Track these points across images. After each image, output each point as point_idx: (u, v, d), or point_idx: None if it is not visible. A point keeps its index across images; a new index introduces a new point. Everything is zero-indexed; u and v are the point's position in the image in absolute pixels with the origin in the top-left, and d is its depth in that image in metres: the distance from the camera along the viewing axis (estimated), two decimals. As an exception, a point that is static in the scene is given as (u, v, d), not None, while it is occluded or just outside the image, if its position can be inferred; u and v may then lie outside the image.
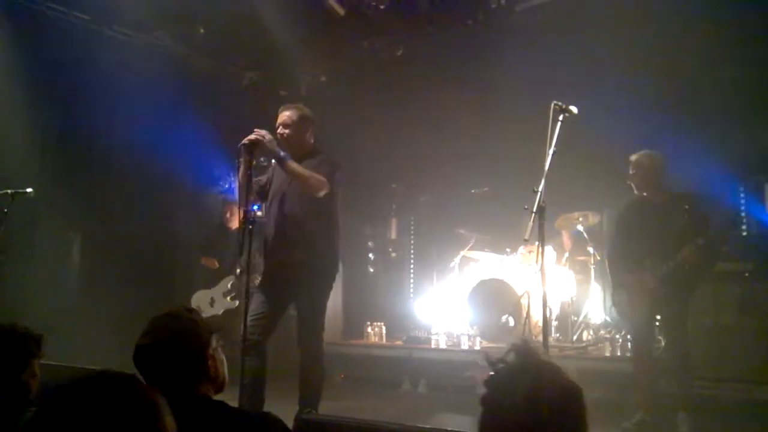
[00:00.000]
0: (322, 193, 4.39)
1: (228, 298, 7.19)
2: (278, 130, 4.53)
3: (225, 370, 2.17)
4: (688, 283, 4.81)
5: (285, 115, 4.59)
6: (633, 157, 4.99)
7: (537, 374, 1.40)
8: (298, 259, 4.43)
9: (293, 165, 4.38)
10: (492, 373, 1.45)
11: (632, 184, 4.99)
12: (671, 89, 6.49)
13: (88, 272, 7.21)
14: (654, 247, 4.83)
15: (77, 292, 7.06)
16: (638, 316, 4.97)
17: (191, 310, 2.17)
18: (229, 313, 7.01)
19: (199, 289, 7.24)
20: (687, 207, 4.82)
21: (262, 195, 4.71)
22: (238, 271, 7.17)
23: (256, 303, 4.44)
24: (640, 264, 4.88)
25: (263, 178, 4.69)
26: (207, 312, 6.92)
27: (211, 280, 7.27)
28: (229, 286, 7.19)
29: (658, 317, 5.02)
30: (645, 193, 4.98)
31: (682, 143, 6.37)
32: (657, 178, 4.94)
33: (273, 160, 4.60)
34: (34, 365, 2.48)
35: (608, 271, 5.33)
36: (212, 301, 7.12)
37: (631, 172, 4.98)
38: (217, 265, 7.31)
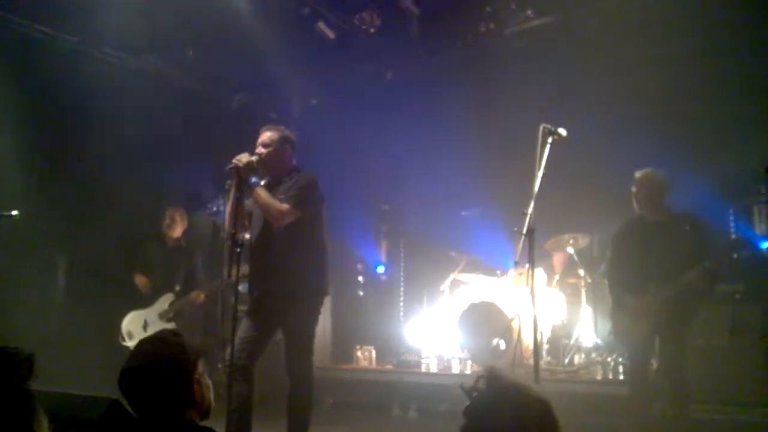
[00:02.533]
0: (286, 222, 4.31)
1: (164, 320, 6.30)
2: (257, 150, 4.47)
3: (211, 395, 2.13)
4: (690, 306, 4.76)
5: (265, 135, 4.54)
6: (639, 174, 4.91)
7: (515, 396, 1.46)
8: (282, 286, 4.36)
9: (258, 193, 4.33)
10: (468, 402, 1.49)
11: (636, 202, 4.91)
12: (660, 111, 6.53)
13: (74, 295, 7.11)
14: (657, 269, 4.75)
15: (63, 315, 6.97)
16: (638, 339, 4.89)
17: (178, 334, 2.13)
18: None
19: (131, 310, 6.41)
20: (688, 228, 4.76)
21: (251, 221, 4.65)
22: (177, 288, 6.44)
23: (243, 328, 4.38)
24: (642, 285, 4.80)
25: (249, 203, 4.61)
26: (138, 337, 6.02)
27: (146, 298, 6.45)
28: (167, 305, 6.36)
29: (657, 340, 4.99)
30: (645, 212, 4.91)
31: (671, 165, 6.38)
32: (662, 196, 4.88)
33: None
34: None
35: (609, 291, 5.28)
36: (146, 324, 6.31)
37: (635, 189, 4.89)
38: (149, 285, 6.45)
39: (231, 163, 4.24)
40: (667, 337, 4.82)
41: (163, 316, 6.31)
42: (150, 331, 6.07)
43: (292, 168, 4.60)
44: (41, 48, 6.85)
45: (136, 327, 6.30)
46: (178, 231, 6.69)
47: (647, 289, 4.77)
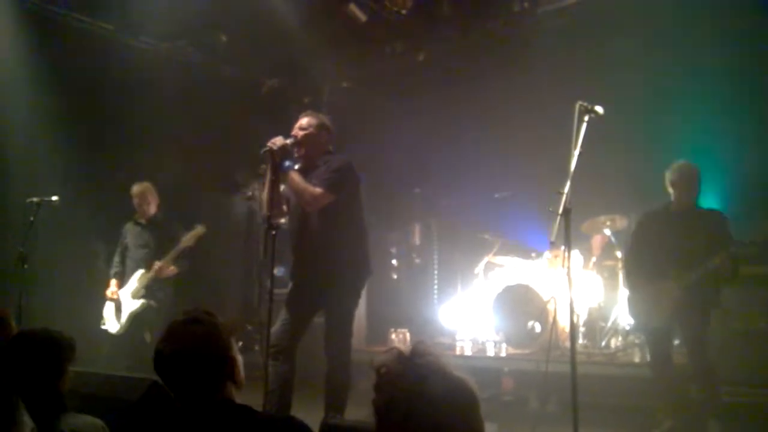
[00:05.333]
0: (319, 206, 4.32)
1: (136, 298, 6.10)
2: (293, 131, 4.48)
3: (242, 370, 2.16)
4: (712, 293, 4.77)
5: (303, 119, 4.55)
6: (678, 165, 4.91)
7: (418, 376, 1.43)
8: (323, 269, 4.40)
9: (291, 177, 4.33)
10: (377, 378, 1.48)
11: (673, 192, 4.92)
12: (699, 89, 6.38)
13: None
14: (679, 256, 4.76)
15: (103, 302, 7.10)
16: (658, 324, 4.90)
17: (210, 314, 2.13)
18: (139, 317, 6.07)
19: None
20: (714, 221, 4.80)
21: (288, 205, 4.65)
22: (148, 263, 6.15)
23: (286, 309, 4.46)
24: (662, 272, 4.82)
25: (287, 188, 4.61)
26: (112, 320, 6.15)
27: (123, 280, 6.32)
28: (137, 282, 6.15)
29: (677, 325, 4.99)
30: (675, 201, 4.93)
31: (711, 146, 6.27)
32: (697, 189, 4.90)
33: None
34: (68, 371, 2.49)
35: (625, 278, 5.28)
36: (119, 306, 6.18)
37: (674, 179, 4.89)
38: (114, 293, 6.20)
39: (265, 146, 4.26)
40: (687, 323, 4.80)
41: (134, 294, 6.13)
42: (124, 312, 6.10)
43: (328, 154, 4.61)
44: (78, 36, 6.95)
45: (110, 310, 6.22)
46: (152, 207, 6.40)
47: (668, 275, 4.77)
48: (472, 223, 8.07)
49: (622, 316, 6.63)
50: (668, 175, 4.92)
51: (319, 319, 4.62)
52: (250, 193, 8.59)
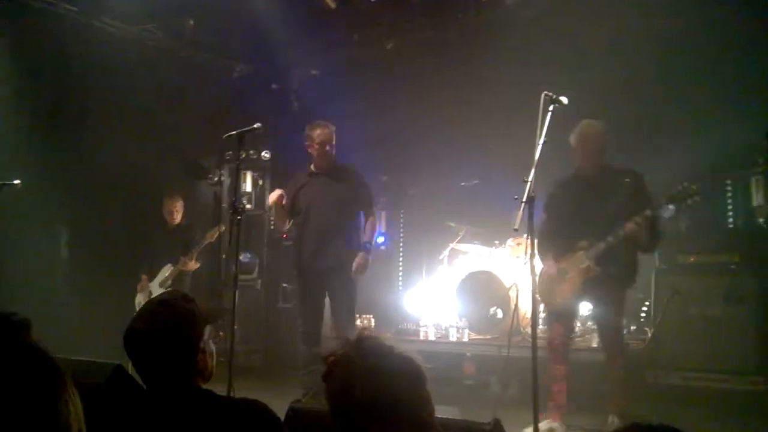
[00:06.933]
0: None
1: (164, 288, 6.70)
2: (326, 148, 5.27)
3: (213, 362, 2.11)
4: (630, 265, 4.56)
5: (325, 133, 5.33)
6: (579, 126, 4.65)
7: (370, 356, 1.51)
8: (338, 263, 5.28)
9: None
10: (327, 367, 1.56)
11: (578, 155, 4.65)
12: (661, 81, 6.51)
13: (77, 266, 7.15)
14: (590, 227, 4.52)
15: (66, 282, 7.03)
16: (561, 302, 4.68)
17: (188, 299, 2.10)
18: None
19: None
20: (628, 180, 4.51)
21: (293, 210, 5.43)
22: (175, 259, 6.86)
23: (306, 299, 5.46)
24: (573, 246, 4.58)
25: (290, 191, 5.38)
26: None
27: (153, 272, 6.94)
28: (166, 273, 6.85)
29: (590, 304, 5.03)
30: (582, 167, 4.68)
31: (669, 135, 6.40)
32: (603, 150, 4.62)
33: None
34: None
35: (537, 253, 5.22)
36: (150, 295, 6.67)
37: (575, 141, 4.62)
38: (146, 285, 6.86)
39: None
40: (600, 304, 4.68)
41: (162, 284, 6.80)
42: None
43: (336, 159, 5.46)
44: (41, 17, 6.81)
45: (144, 299, 6.70)
46: (179, 217, 7.15)
47: (578, 247, 4.54)
48: (438, 211, 8.13)
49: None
50: (571, 139, 4.65)
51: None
52: (216, 179, 8.55)
